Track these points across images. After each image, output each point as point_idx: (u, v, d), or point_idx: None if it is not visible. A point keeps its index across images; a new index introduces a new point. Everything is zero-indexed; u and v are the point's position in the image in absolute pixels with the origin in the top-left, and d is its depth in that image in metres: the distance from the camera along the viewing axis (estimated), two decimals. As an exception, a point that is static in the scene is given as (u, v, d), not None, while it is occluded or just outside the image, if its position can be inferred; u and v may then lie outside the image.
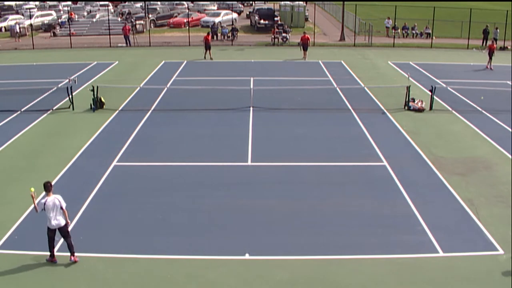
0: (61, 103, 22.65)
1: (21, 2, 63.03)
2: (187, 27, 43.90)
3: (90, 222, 12.54)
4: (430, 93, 22.43)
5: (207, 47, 34.02)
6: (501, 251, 11.37)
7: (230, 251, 11.33)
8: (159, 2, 60.66)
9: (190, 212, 13.10)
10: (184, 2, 63.33)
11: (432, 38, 42.89)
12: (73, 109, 21.97)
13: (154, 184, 14.78)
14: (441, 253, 11.25)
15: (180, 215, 12.98)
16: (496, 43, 39.13)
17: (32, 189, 10.59)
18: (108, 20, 44.60)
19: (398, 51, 38.64)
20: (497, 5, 63.81)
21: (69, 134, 19.01)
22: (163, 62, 33.01)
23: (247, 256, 11.18)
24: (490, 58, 31.28)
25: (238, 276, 10.50)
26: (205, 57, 34.11)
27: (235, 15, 51.87)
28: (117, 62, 33.05)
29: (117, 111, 21.83)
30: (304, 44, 34.10)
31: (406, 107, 22.31)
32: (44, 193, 10.81)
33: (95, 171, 15.45)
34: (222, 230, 12.27)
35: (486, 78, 28.94)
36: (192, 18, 49.12)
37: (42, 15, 50.83)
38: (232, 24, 45.75)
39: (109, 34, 41.34)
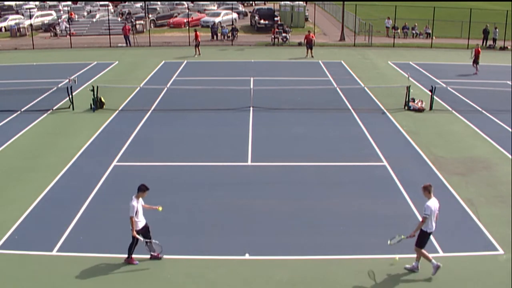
0: (61, 103, 22.65)
1: (21, 2, 63.00)
2: (187, 27, 43.90)
3: (90, 222, 12.54)
4: (430, 93, 22.44)
5: (197, 44, 35.27)
6: (501, 251, 11.37)
7: (230, 251, 11.33)
8: (159, 2, 60.62)
9: (190, 212, 13.11)
10: (184, 2, 63.28)
11: (432, 38, 42.87)
12: (73, 109, 21.97)
13: (154, 184, 14.63)
14: (441, 253, 11.25)
15: (180, 215, 12.98)
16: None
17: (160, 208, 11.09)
18: (108, 20, 44.57)
19: (398, 51, 38.62)
20: (497, 5, 63.80)
21: (69, 134, 19.01)
22: (163, 62, 33.01)
23: (247, 256, 11.18)
24: (477, 63, 29.43)
25: (238, 276, 10.50)
26: (199, 54, 35.01)
27: (235, 15, 51.83)
28: (117, 62, 33.05)
29: (117, 111, 21.82)
30: (309, 43, 34.73)
31: (406, 107, 22.31)
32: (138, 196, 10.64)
33: (95, 171, 15.45)
34: (222, 230, 12.27)
35: (486, 78, 28.91)
36: (192, 18, 49.13)
37: (42, 15, 50.82)
38: (232, 24, 45.74)
39: (109, 34, 41.32)
